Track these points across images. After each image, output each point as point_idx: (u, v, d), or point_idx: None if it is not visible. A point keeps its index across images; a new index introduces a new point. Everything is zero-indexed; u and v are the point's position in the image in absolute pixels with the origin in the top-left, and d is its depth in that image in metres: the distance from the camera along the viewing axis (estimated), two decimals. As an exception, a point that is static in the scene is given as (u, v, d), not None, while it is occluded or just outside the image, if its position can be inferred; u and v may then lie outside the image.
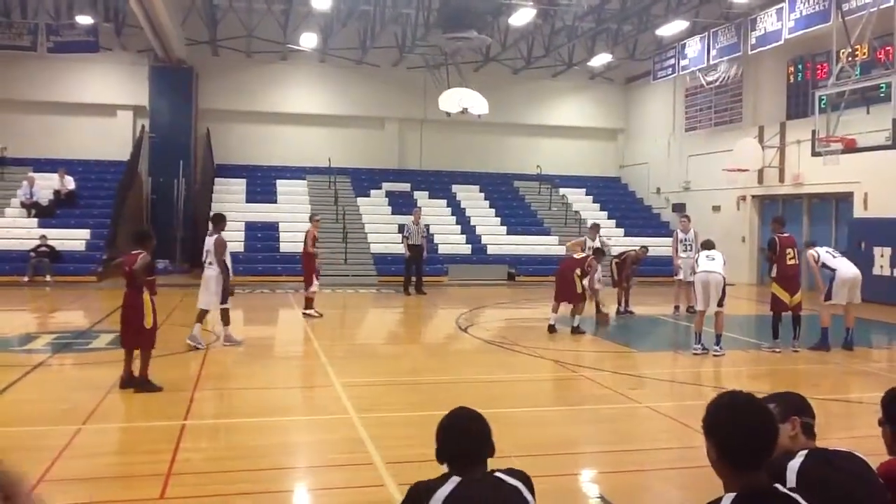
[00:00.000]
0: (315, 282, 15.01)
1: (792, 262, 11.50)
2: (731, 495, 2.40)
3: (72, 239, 22.12)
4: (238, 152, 27.47)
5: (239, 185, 26.64)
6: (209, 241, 11.79)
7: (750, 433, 2.45)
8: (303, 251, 15.38)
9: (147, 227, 9.34)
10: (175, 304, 17.00)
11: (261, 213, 25.19)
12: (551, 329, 13.13)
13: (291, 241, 23.88)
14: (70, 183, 24.17)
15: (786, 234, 11.79)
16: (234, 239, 23.47)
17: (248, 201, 25.95)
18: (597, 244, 15.78)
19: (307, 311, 14.87)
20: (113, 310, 15.47)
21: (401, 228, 24.36)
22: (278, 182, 27.09)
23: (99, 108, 26.31)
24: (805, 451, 2.80)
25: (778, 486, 2.51)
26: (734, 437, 2.46)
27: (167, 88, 25.49)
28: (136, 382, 8.37)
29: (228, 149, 27.37)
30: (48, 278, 20.39)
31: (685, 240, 16.52)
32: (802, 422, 2.96)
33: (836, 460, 2.81)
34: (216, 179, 26.55)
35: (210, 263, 11.70)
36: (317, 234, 15.52)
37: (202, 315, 11.58)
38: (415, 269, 19.66)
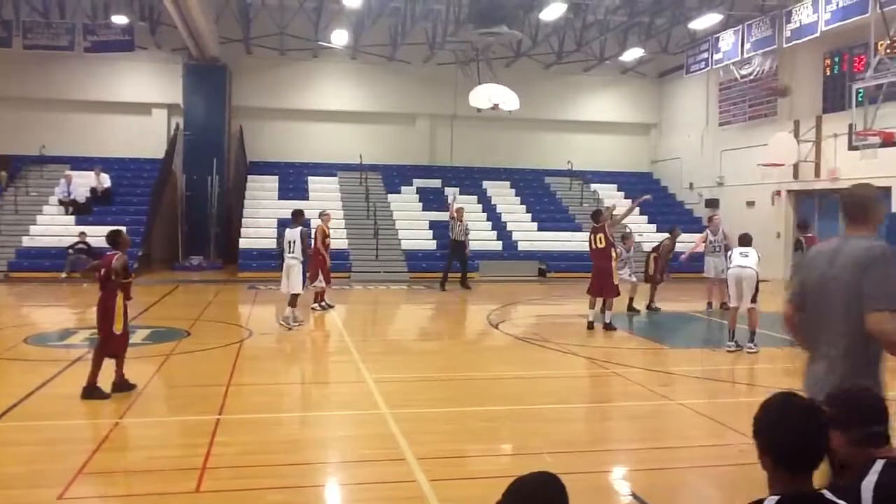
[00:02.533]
0: (320, 278, 14.79)
1: None
2: (775, 498, 2.36)
3: (108, 236, 22.45)
4: (270, 149, 27.68)
5: (271, 182, 26.85)
6: (292, 233, 13.25)
7: (798, 437, 2.40)
8: (313, 248, 14.59)
9: (119, 229, 9.16)
10: (210, 299, 17.24)
11: (293, 209, 25.30)
12: (590, 326, 13.02)
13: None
14: (106, 181, 24.54)
15: (810, 235, 11.69)
16: (266, 235, 23.74)
17: (280, 198, 26.12)
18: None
19: (315, 306, 14.82)
20: (150, 305, 15.77)
21: (430, 225, 24.56)
22: (310, 179, 27.25)
23: (134, 107, 26.66)
24: (881, 465, 2.61)
25: (825, 492, 2.44)
26: (782, 439, 2.41)
27: (201, 86, 25.75)
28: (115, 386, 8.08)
29: (261, 146, 27.59)
30: (63, 275, 20.68)
31: (714, 241, 16.34)
32: (847, 438, 2.70)
33: None
34: (249, 176, 26.78)
35: (292, 253, 13.07)
36: (328, 230, 15.33)
37: (294, 299, 12.89)
38: (458, 264, 19.86)
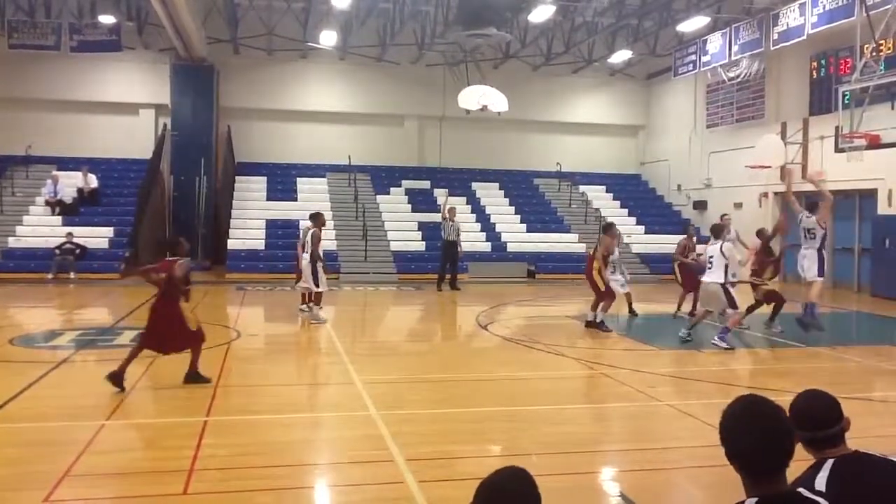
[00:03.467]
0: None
1: None
2: (753, 500, 2.37)
3: (95, 237, 22.35)
4: (259, 150, 27.62)
5: (260, 183, 26.79)
6: (306, 234, 13.87)
7: (762, 440, 2.41)
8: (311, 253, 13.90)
9: (179, 237, 9.26)
10: (197, 300, 17.14)
11: (281, 210, 25.31)
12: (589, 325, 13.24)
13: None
14: (93, 181, 24.42)
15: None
16: (255, 237, 23.69)
17: (268, 199, 26.10)
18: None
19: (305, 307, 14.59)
20: (136, 307, 15.67)
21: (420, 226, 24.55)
22: (299, 180, 27.21)
23: (122, 107, 26.56)
24: (831, 462, 2.68)
25: (802, 490, 2.49)
26: (746, 444, 2.43)
27: (189, 87, 25.67)
28: (190, 377, 8.50)
29: (249, 147, 27.53)
30: (72, 275, 20.62)
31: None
32: (801, 436, 2.76)
33: (868, 471, 2.68)
34: (237, 177, 26.72)
35: (307, 253, 13.62)
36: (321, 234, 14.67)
37: (318, 297, 13.58)
38: (449, 265, 19.87)
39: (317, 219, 13.76)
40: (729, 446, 2.47)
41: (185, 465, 5.84)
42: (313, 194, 26.51)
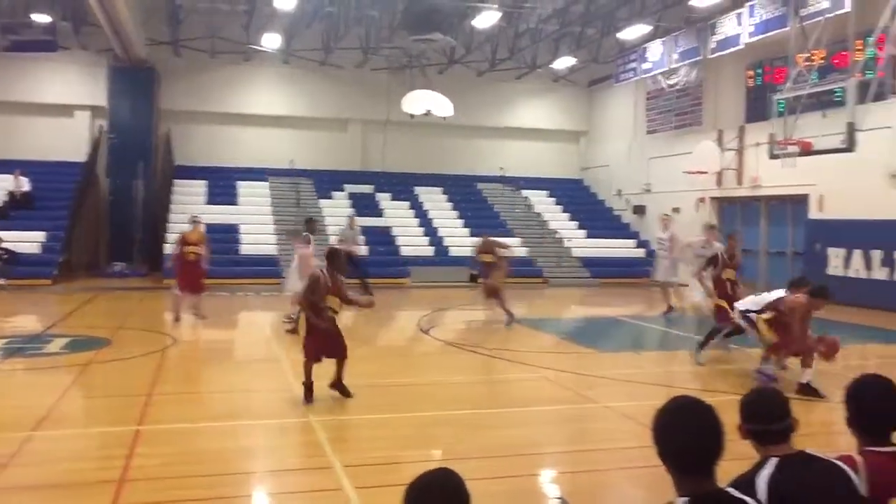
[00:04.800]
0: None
1: None
2: (684, 499, 2.39)
3: (27, 241, 21.64)
4: (199, 154, 27.12)
5: (199, 187, 26.31)
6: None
7: (691, 439, 2.45)
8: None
9: (337, 248, 9.70)
10: (132, 306, 16.77)
11: (221, 214, 24.87)
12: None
13: (252, 243, 23.71)
14: (25, 184, 23.66)
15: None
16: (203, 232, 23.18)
17: (208, 203, 25.62)
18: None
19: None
20: (70, 312, 15.24)
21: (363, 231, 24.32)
22: (239, 184, 26.81)
23: (56, 109, 25.81)
24: (775, 460, 2.73)
25: (730, 489, 2.51)
26: (676, 443, 2.47)
27: (127, 89, 25.09)
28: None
29: (189, 150, 27.01)
30: (2, 282, 19.93)
31: (661, 240, 16.58)
32: (747, 430, 2.88)
33: (809, 470, 2.73)
34: (176, 181, 26.18)
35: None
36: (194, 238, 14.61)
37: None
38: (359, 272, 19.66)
39: (311, 224, 14.46)
40: (661, 446, 2.50)
41: (115, 475, 5.68)
42: (255, 198, 26.18)
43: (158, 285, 20.87)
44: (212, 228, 23.92)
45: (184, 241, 14.48)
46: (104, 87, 25.22)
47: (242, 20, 25.18)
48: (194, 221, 14.94)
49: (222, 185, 26.60)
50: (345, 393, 8.22)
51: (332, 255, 8.50)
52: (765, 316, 9.02)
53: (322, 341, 7.97)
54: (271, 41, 25.11)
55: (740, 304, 9.80)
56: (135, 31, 22.20)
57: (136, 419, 7.32)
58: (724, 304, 10.70)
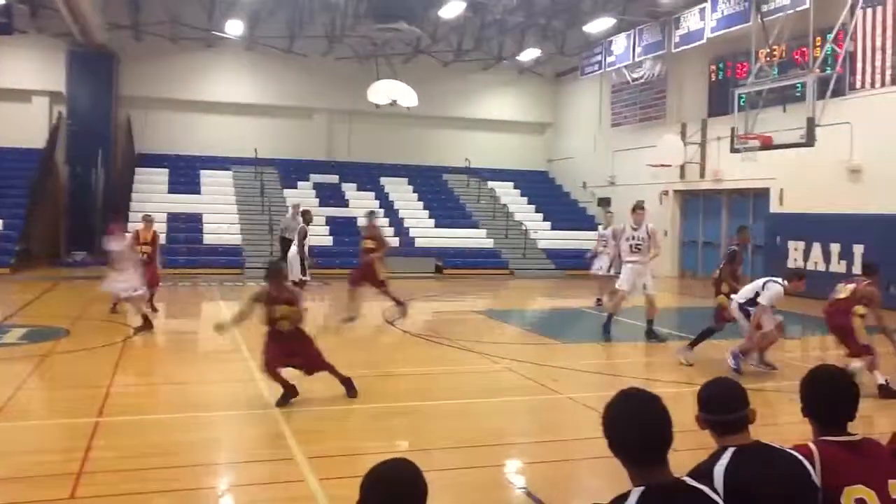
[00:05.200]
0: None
1: None
2: (640, 489, 2.43)
3: (-18, 229, 21.22)
4: (160, 141, 26.73)
5: (161, 175, 25.96)
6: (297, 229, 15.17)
7: (639, 430, 2.49)
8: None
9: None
10: (93, 297, 16.47)
11: (183, 203, 24.60)
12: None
13: (215, 232, 23.45)
14: (-20, 171, 23.16)
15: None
16: (156, 230, 22.84)
17: (170, 192, 25.31)
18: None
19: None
20: (28, 302, 14.95)
21: (328, 220, 24.25)
22: (202, 172, 26.50)
23: (12, 94, 25.21)
24: (732, 450, 2.76)
25: (685, 479, 2.55)
26: (626, 435, 2.50)
27: (86, 74, 24.63)
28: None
29: (150, 137, 26.61)
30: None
31: (604, 235, 16.71)
32: (704, 419, 2.92)
33: (765, 460, 2.76)
34: (137, 169, 25.80)
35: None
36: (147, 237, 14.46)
37: (302, 285, 13.93)
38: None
39: (305, 215, 15.37)
40: (611, 439, 2.53)
41: (73, 468, 5.59)
42: (218, 187, 25.90)
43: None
44: (174, 217, 23.75)
45: (137, 239, 14.12)
46: (62, 73, 24.72)
47: (205, 5, 24.83)
48: (147, 220, 14.74)
49: (185, 173, 26.27)
50: (349, 389, 7.98)
51: (274, 273, 8.16)
52: (861, 310, 8.56)
53: (279, 351, 7.68)
54: (234, 27, 24.81)
55: (738, 297, 9.68)
56: (93, 15, 21.78)
57: (96, 411, 7.21)
58: (726, 303, 10.22)
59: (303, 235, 14.88)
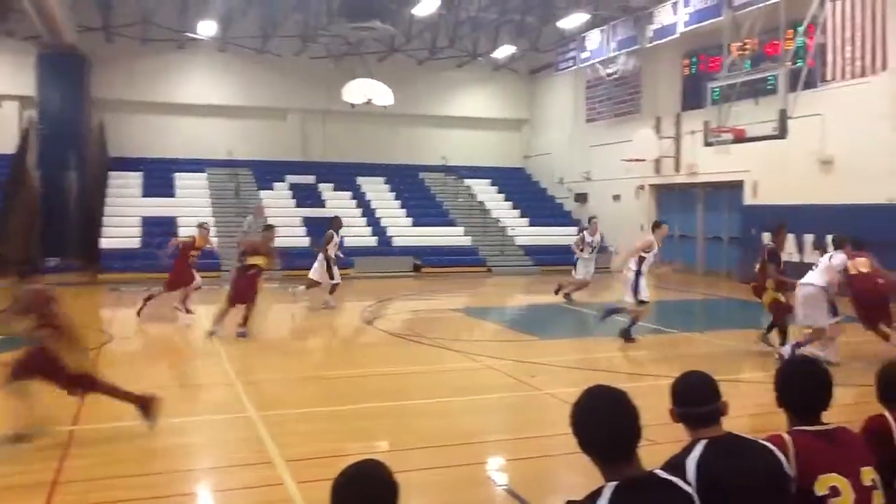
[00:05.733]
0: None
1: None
2: (612, 485, 2.43)
3: (-47, 236, 20.91)
4: (134, 144, 26.46)
5: (135, 179, 25.69)
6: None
7: (607, 428, 2.51)
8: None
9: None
10: (67, 302, 16.26)
11: (158, 207, 24.37)
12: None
13: (191, 235, 23.19)
14: (-50, 177, 22.81)
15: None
16: (130, 235, 22.70)
17: (144, 195, 25.07)
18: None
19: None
20: (1, 309, 14.71)
21: (304, 221, 24.12)
22: (177, 175, 26.26)
23: (-19, 98, 24.90)
24: (704, 442, 2.78)
25: (657, 472, 2.56)
26: (596, 432, 2.53)
27: (57, 77, 24.26)
28: None
29: (124, 141, 26.33)
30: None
31: (591, 242, 16.68)
32: (678, 412, 2.93)
33: (737, 452, 2.78)
34: (111, 173, 25.53)
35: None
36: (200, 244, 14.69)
37: (312, 284, 15.40)
38: None
39: (335, 221, 16.12)
40: (581, 437, 2.56)
41: (47, 477, 5.53)
42: (193, 190, 25.68)
43: (94, 280, 20.37)
44: (149, 221, 23.52)
45: (192, 245, 14.27)
46: (32, 76, 24.35)
47: (177, 6, 24.59)
48: (203, 228, 14.98)
49: (159, 176, 26.03)
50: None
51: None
52: None
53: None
54: (207, 28, 24.59)
55: (817, 281, 9.49)
56: (63, 17, 21.48)
57: (71, 419, 7.12)
58: (782, 297, 10.18)
59: (329, 240, 15.42)
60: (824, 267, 9.67)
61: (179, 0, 24.38)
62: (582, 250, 16.33)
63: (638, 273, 11.28)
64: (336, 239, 15.66)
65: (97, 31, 24.86)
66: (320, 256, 15.47)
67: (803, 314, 9.65)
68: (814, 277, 9.62)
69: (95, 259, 21.89)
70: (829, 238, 11.94)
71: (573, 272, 16.40)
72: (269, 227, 13.32)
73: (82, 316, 13.53)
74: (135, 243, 22.57)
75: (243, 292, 11.94)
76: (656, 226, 12.35)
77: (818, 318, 9.46)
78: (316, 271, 15.43)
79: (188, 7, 24.50)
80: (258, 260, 12.28)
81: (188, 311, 13.91)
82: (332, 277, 15.42)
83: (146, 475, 5.72)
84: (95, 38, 25.01)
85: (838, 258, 9.72)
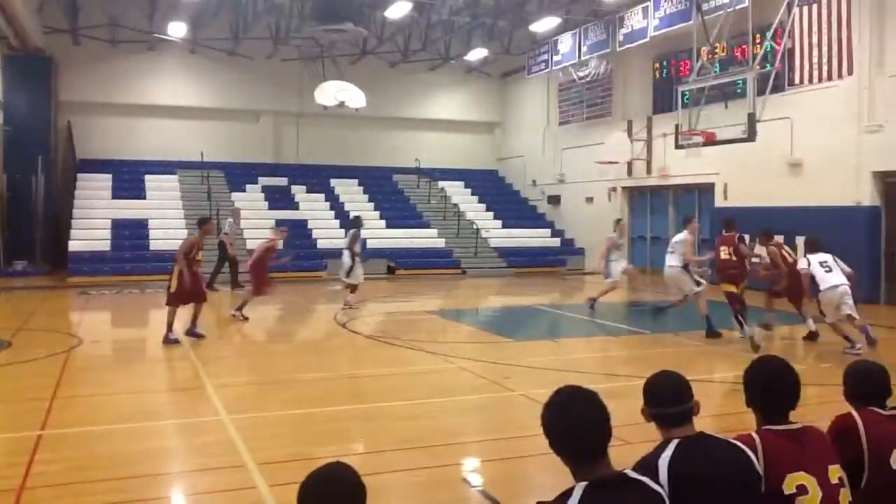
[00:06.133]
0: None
1: (726, 257, 11.69)
2: (583, 484, 2.44)
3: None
4: (103, 146, 26.14)
5: (104, 181, 25.39)
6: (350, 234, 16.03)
7: (582, 427, 2.51)
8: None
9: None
10: (34, 307, 16.07)
11: (128, 209, 24.10)
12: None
13: (162, 238, 22.97)
14: (-87, 180, 22.38)
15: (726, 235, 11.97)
16: (99, 237, 22.44)
17: (114, 197, 24.78)
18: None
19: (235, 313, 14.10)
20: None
21: (278, 223, 23.94)
22: (147, 177, 25.98)
23: (-55, 100, 24.44)
24: (676, 442, 2.79)
25: (627, 471, 2.57)
26: (566, 433, 2.53)
27: (23, 79, 23.90)
28: None
29: (92, 143, 26.01)
30: None
31: (620, 244, 16.34)
32: (649, 412, 2.95)
33: (708, 451, 2.79)
34: (79, 175, 25.20)
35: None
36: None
37: (354, 288, 15.57)
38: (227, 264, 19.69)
39: (356, 222, 16.35)
40: (551, 438, 2.56)
41: (14, 483, 5.43)
42: (163, 192, 25.42)
43: (62, 284, 20.09)
44: (119, 224, 23.27)
45: (274, 248, 14.69)
46: (-2, 78, 23.98)
47: (145, 7, 24.34)
48: (281, 230, 15.81)
49: (129, 178, 25.77)
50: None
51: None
52: None
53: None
54: (177, 29, 24.38)
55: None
56: (29, 19, 21.19)
57: (38, 424, 7.00)
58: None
59: (355, 239, 15.61)
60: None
61: (148, 2, 24.13)
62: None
63: (685, 267, 12.20)
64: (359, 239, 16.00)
65: (64, 33, 24.55)
66: (347, 256, 15.54)
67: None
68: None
69: (63, 262, 21.60)
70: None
71: (604, 278, 15.79)
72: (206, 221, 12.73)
73: (50, 320, 13.38)
74: (105, 246, 22.31)
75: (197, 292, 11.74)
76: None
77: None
78: (353, 274, 15.53)
79: (158, 8, 24.26)
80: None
81: (244, 318, 13.90)
82: (347, 277, 15.62)
83: (116, 479, 5.63)
84: (63, 40, 24.70)
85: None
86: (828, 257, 10.60)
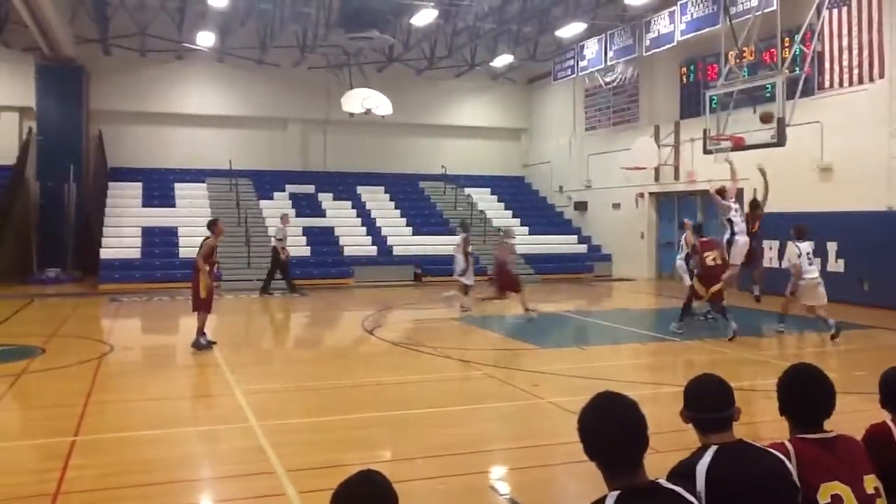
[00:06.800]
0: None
1: (712, 263, 12.34)
2: (615, 493, 2.41)
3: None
4: (133, 155, 26.49)
5: (135, 189, 25.72)
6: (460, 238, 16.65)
7: (619, 434, 2.47)
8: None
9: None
10: (67, 313, 16.31)
11: (158, 217, 24.40)
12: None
13: (191, 245, 23.14)
14: (-50, 189, 22.82)
15: (705, 239, 12.92)
16: (130, 245, 22.71)
17: (144, 205, 25.09)
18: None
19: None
20: (1, 321, 14.75)
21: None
22: (176, 185, 26.29)
23: (-19, 110, 24.92)
24: (714, 448, 2.75)
25: (661, 481, 2.54)
26: (603, 440, 2.49)
27: (55, 88, 24.32)
28: None
29: (123, 151, 26.38)
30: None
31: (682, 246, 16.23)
32: (688, 416, 2.91)
33: (747, 459, 2.76)
34: (110, 183, 25.56)
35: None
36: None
37: (466, 288, 15.96)
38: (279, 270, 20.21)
39: (465, 226, 17.30)
40: (587, 445, 2.52)
41: (49, 488, 5.51)
42: (192, 200, 25.68)
43: (93, 291, 20.36)
44: (149, 232, 23.55)
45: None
46: (32, 87, 24.40)
47: (174, 17, 24.66)
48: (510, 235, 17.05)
49: (158, 187, 26.07)
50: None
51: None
52: None
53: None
54: (205, 39, 24.66)
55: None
56: (61, 29, 21.56)
57: (72, 430, 7.10)
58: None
59: (467, 242, 16.34)
60: None
61: (177, 12, 24.45)
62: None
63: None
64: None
65: (95, 43, 24.94)
66: (461, 259, 16.11)
67: None
68: None
69: (95, 269, 21.89)
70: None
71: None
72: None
73: (82, 327, 13.56)
74: (135, 253, 22.58)
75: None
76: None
77: None
78: (467, 274, 16.03)
79: (186, 18, 24.56)
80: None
81: (529, 310, 14.78)
82: (466, 278, 16.09)
83: (148, 485, 5.70)
84: (93, 49, 25.10)
85: None
86: (811, 248, 12.22)
